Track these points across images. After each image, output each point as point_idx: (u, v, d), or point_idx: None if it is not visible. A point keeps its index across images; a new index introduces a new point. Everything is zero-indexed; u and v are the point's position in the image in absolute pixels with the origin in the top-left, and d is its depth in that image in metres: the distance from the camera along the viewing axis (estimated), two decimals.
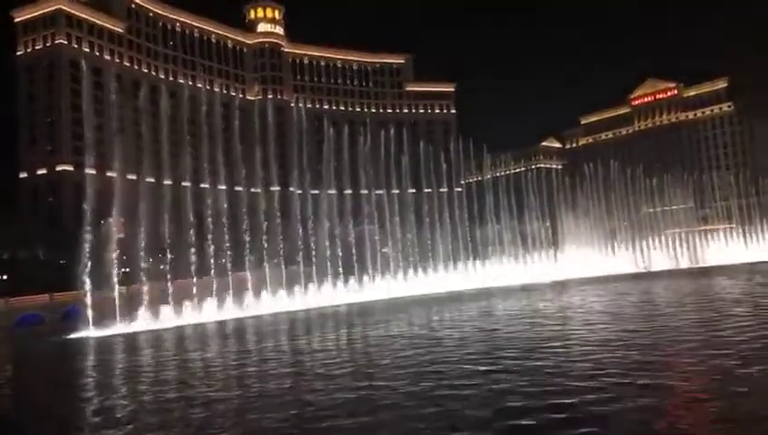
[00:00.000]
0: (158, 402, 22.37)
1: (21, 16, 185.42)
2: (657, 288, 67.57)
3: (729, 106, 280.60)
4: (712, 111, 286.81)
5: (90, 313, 63.32)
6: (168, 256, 74.92)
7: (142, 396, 24.03)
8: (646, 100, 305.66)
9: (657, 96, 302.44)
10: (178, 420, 19.30)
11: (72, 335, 60.01)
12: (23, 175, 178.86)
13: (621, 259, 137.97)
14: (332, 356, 31.97)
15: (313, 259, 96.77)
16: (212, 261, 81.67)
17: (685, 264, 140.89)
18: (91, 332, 61.50)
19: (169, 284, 73.20)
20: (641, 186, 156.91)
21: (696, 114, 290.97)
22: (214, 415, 19.45)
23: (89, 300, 64.73)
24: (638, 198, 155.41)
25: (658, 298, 54.89)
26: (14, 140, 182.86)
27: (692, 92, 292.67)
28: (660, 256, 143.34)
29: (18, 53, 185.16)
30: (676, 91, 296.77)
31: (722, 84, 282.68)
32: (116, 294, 66.77)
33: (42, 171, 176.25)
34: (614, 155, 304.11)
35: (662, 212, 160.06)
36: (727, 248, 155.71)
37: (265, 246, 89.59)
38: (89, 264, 64.52)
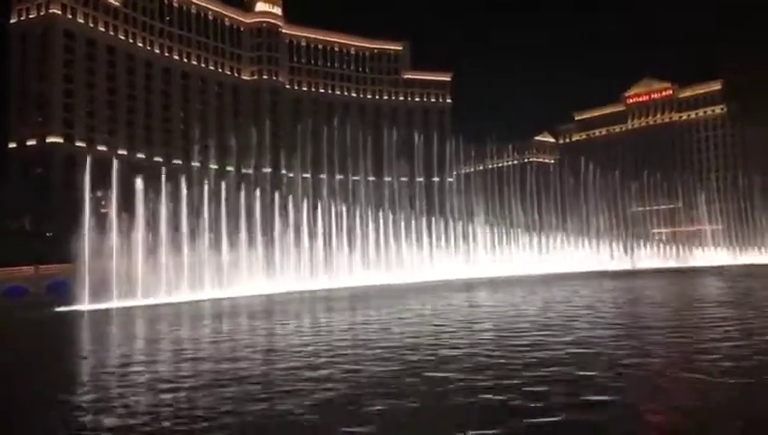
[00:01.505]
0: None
1: None
2: (643, 289, 68.08)
3: (722, 108, 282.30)
4: (705, 112, 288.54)
5: (84, 285, 62.73)
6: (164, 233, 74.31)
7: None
8: (641, 99, 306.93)
9: (652, 95, 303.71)
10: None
11: (63, 308, 59.56)
12: (12, 145, 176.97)
13: (607, 256, 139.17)
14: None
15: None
16: (208, 239, 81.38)
17: (672, 263, 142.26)
18: (83, 305, 61.08)
19: (164, 260, 72.77)
20: (631, 184, 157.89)
21: (689, 115, 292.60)
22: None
23: (81, 272, 64.07)
24: (628, 196, 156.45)
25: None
26: (4, 110, 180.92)
27: (686, 93, 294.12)
28: (648, 254, 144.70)
29: (12, 21, 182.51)
30: (671, 92, 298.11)
31: (716, 86, 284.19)
32: (113, 267, 66.17)
33: (31, 142, 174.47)
34: (607, 152, 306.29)
35: (651, 211, 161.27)
36: (715, 250, 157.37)
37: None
38: (85, 235, 64.01)
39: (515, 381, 17.42)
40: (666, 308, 41.44)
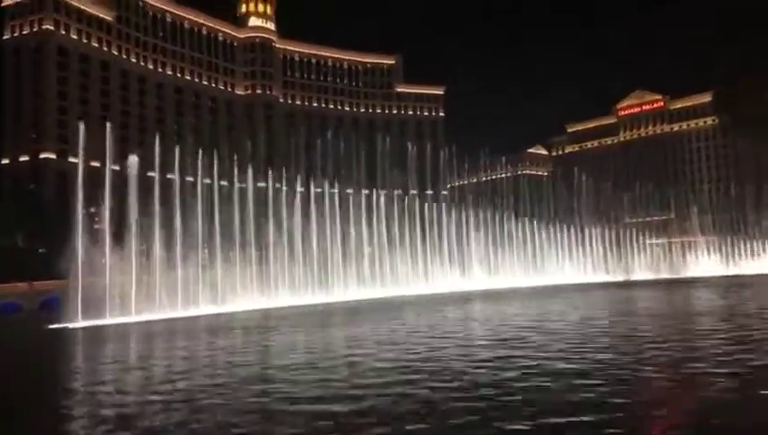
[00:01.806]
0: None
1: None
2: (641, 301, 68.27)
3: (714, 120, 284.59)
4: (697, 123, 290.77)
5: (76, 302, 62.17)
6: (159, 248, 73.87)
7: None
8: (632, 111, 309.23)
9: (644, 107, 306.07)
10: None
11: (57, 325, 59.04)
12: (5, 161, 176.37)
13: (599, 268, 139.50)
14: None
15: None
16: (206, 254, 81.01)
17: (665, 274, 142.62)
18: (76, 322, 60.56)
19: (158, 275, 72.38)
20: (624, 196, 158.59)
21: (681, 126, 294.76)
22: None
23: (73, 288, 63.60)
24: (620, 207, 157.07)
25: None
26: None
27: (678, 105, 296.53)
28: (641, 265, 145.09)
29: (5, 37, 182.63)
30: (662, 104, 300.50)
31: (707, 98, 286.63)
32: (106, 282, 65.64)
33: (24, 158, 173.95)
34: (599, 164, 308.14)
35: (644, 223, 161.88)
36: (708, 261, 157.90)
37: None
38: (78, 251, 63.61)
39: None
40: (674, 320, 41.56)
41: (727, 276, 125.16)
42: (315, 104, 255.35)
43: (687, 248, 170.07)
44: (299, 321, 55.75)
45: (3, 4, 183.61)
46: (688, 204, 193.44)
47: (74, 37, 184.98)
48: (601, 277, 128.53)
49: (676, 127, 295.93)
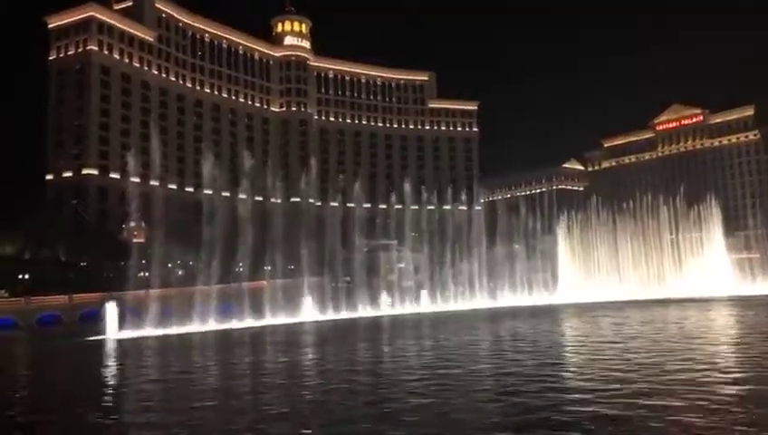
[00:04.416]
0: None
1: (54, 22, 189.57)
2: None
3: (755, 134, 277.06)
4: (738, 138, 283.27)
5: (117, 314, 63.20)
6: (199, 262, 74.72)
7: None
8: (670, 125, 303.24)
9: (683, 122, 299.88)
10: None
11: (94, 337, 60.16)
12: (49, 177, 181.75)
13: (639, 285, 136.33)
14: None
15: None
16: (240, 268, 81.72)
17: (710, 292, 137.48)
18: (117, 333, 61.57)
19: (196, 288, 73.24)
20: (662, 211, 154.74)
21: (720, 141, 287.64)
22: None
23: (117, 301, 64.78)
24: (660, 224, 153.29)
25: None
26: (43, 142, 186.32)
27: (718, 119, 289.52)
28: (683, 283, 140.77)
29: (50, 58, 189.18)
30: (701, 118, 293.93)
31: (748, 112, 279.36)
32: (151, 294, 66.72)
33: (67, 174, 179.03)
34: (636, 179, 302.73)
35: (683, 239, 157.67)
36: (753, 279, 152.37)
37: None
38: (127, 266, 64.91)
39: None
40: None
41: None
42: (349, 120, 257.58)
43: (735, 266, 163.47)
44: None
45: (49, 26, 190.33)
46: (730, 220, 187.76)
47: (116, 57, 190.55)
48: (642, 295, 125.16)
49: (716, 142, 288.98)
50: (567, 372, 27.67)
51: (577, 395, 21.09)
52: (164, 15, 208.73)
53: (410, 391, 23.32)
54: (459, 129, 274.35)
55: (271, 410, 21.52)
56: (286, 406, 22.04)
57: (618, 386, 22.45)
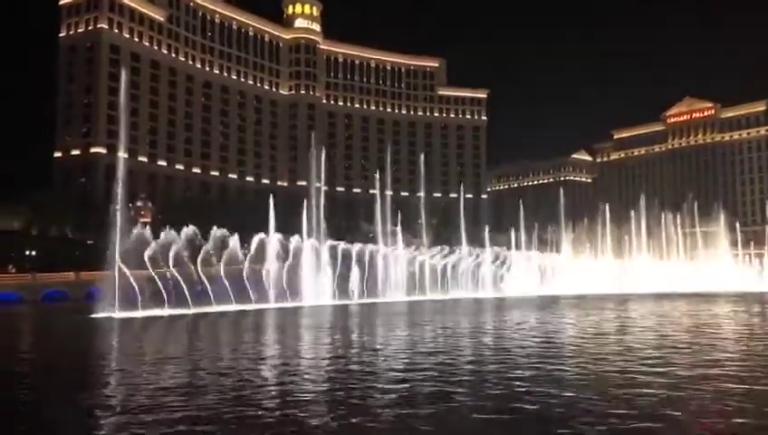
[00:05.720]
0: None
1: None
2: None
3: (767, 130, 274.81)
4: (749, 133, 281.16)
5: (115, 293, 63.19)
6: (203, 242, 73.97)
7: None
8: (682, 118, 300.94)
9: (694, 115, 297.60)
10: None
11: (97, 315, 60.24)
12: (57, 155, 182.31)
13: (646, 278, 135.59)
14: None
15: None
16: (242, 253, 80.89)
17: (718, 287, 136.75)
18: (113, 312, 61.68)
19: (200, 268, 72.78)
20: (671, 206, 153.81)
21: (732, 136, 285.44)
22: None
23: (112, 280, 64.76)
24: (668, 218, 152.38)
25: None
26: (52, 120, 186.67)
27: (729, 114, 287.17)
28: (691, 277, 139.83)
29: (61, 35, 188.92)
30: (713, 112, 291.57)
31: (760, 107, 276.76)
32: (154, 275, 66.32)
33: (75, 152, 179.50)
34: (645, 172, 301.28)
35: (691, 233, 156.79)
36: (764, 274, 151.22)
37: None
38: (116, 243, 64.54)
39: None
40: None
41: None
42: (357, 105, 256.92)
43: (742, 261, 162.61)
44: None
45: (60, 3, 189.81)
46: (739, 215, 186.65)
47: (126, 36, 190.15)
48: (647, 288, 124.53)
49: (727, 136, 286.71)
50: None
51: None
52: None
53: None
54: (468, 116, 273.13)
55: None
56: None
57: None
